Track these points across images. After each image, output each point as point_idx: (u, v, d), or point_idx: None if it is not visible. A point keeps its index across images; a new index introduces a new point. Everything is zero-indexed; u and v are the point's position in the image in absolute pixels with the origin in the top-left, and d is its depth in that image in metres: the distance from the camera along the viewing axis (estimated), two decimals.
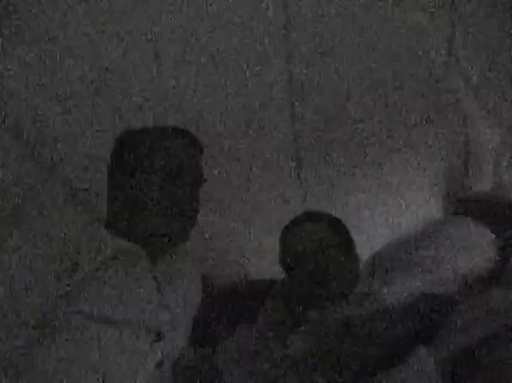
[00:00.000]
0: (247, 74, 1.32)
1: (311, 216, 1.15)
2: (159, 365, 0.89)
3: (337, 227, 1.13)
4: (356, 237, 1.16)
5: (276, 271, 1.22)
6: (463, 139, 1.59)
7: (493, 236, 1.02)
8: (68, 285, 0.82)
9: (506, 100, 1.51)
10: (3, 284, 0.77)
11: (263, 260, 1.42)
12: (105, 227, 0.95)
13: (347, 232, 1.14)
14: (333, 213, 1.17)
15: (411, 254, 1.04)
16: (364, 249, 1.17)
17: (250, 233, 1.47)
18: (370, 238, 1.34)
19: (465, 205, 1.56)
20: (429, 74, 1.44)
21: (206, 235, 1.35)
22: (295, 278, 1.07)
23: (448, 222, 1.19)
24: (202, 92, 1.31)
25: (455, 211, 1.58)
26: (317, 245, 1.05)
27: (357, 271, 1.11)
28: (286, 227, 1.16)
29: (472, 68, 1.47)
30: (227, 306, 1.22)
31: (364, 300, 0.97)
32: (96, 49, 1.19)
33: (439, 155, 1.58)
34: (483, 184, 1.56)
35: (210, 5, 1.20)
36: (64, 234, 0.86)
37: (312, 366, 0.82)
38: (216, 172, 1.24)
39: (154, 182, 0.93)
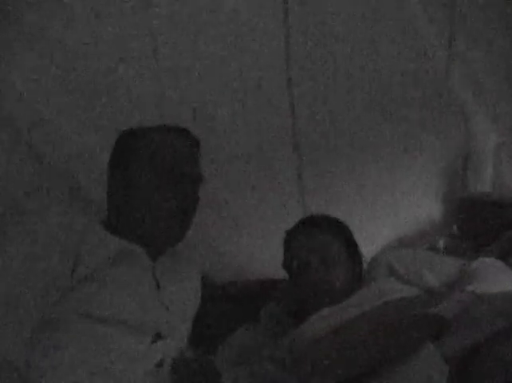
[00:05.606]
0: (247, 73, 1.32)
1: (316, 221, 1.13)
2: (159, 365, 0.88)
3: (343, 232, 1.12)
4: (355, 237, 1.16)
5: (275, 271, 1.22)
6: (463, 139, 1.60)
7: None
8: (68, 285, 0.82)
9: (506, 100, 1.51)
10: (3, 283, 0.77)
11: (262, 260, 1.43)
12: (105, 226, 0.95)
13: (351, 236, 1.14)
14: (333, 213, 1.17)
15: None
16: (364, 249, 1.17)
17: (249, 232, 1.47)
18: (370, 238, 1.34)
19: (465, 205, 1.56)
20: (429, 74, 1.45)
21: (205, 235, 1.35)
22: (299, 284, 1.06)
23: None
24: (202, 92, 1.31)
25: (455, 212, 1.59)
26: (323, 253, 1.05)
27: (361, 274, 1.11)
28: (291, 232, 1.14)
29: (472, 68, 1.47)
30: (227, 306, 1.22)
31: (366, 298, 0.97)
32: (96, 49, 1.19)
33: (439, 156, 1.58)
34: (483, 184, 1.57)
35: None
36: (64, 233, 0.86)
37: (313, 365, 0.82)
38: (215, 171, 1.24)
39: (153, 181, 0.93)
